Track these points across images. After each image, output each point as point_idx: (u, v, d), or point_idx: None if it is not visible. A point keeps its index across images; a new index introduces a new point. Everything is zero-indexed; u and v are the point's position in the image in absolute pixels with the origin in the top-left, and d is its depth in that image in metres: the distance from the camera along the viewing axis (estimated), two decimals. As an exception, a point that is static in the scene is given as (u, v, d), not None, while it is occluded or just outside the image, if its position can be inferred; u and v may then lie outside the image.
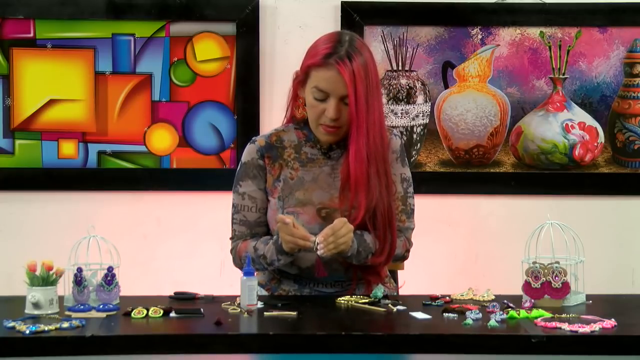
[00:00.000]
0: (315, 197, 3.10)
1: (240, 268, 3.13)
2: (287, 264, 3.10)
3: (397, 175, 3.17)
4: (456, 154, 4.16)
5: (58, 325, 2.63)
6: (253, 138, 3.19)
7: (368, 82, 3.02)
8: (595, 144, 4.16)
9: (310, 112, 3.08)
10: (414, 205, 3.21)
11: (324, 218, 3.08)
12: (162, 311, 2.78)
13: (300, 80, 3.10)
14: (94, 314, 2.79)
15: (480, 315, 2.76)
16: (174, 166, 4.14)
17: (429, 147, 4.16)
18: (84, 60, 4.09)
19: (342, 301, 2.95)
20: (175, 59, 4.11)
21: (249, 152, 3.16)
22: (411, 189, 3.20)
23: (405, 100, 4.13)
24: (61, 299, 2.87)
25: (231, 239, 3.18)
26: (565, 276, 2.89)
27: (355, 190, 3.04)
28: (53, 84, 4.09)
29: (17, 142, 4.10)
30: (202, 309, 2.84)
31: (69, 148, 4.11)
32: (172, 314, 2.79)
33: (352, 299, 2.97)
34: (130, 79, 4.11)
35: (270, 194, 3.13)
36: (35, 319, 2.73)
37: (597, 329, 2.63)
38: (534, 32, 4.13)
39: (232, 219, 3.17)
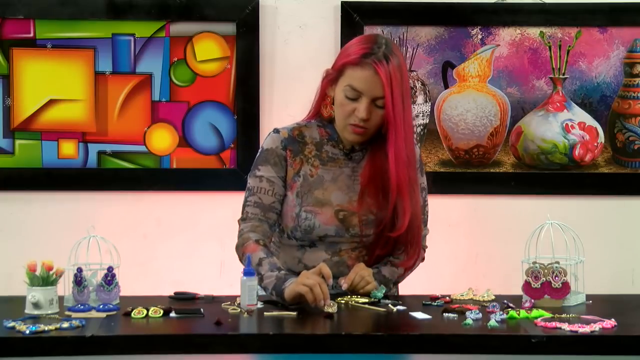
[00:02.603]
0: (334, 198, 3.10)
1: (238, 256, 3.09)
2: (294, 263, 3.10)
3: (418, 184, 3.18)
4: (456, 154, 4.16)
5: (58, 325, 2.63)
6: (276, 128, 3.16)
7: (403, 86, 3.02)
8: (595, 144, 4.16)
9: (339, 111, 3.06)
10: (429, 212, 3.27)
11: (341, 220, 3.08)
12: (162, 311, 2.78)
13: (332, 78, 3.07)
14: (94, 314, 2.79)
15: (480, 315, 2.76)
16: (174, 166, 4.14)
17: (429, 147, 4.16)
18: (84, 60, 4.09)
19: (342, 301, 2.95)
20: (175, 59, 4.11)
21: (273, 140, 3.14)
22: (427, 198, 3.25)
23: (405, 100, 4.13)
24: (61, 299, 2.87)
25: (242, 219, 3.12)
26: (565, 276, 2.90)
27: (398, 196, 3.04)
28: (53, 84, 4.09)
29: (17, 142, 4.10)
30: (202, 309, 2.84)
31: (69, 148, 4.11)
32: (172, 314, 2.79)
33: (352, 299, 2.97)
34: (130, 79, 4.11)
35: (289, 188, 3.12)
36: (35, 319, 2.73)
37: (597, 329, 2.63)
38: (534, 32, 4.13)
39: (246, 201, 3.12)
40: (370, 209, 3.08)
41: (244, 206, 3.13)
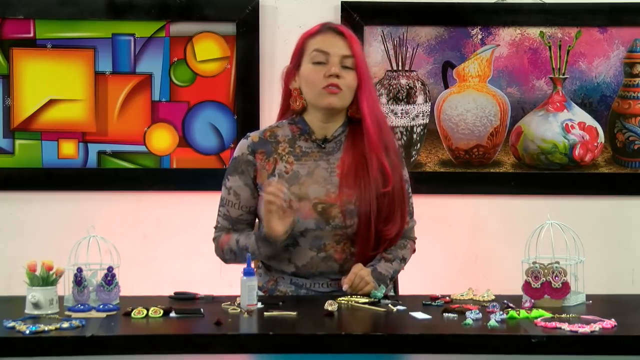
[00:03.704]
0: (312, 191, 3.12)
1: (222, 258, 3.22)
2: (284, 262, 3.12)
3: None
4: (456, 154, 4.16)
5: (58, 325, 2.63)
6: (247, 134, 3.25)
7: (364, 52, 3.18)
8: (595, 144, 4.16)
9: (310, 81, 3.13)
10: (413, 203, 3.25)
11: (320, 213, 3.09)
12: (162, 311, 2.78)
13: (293, 68, 3.17)
14: (94, 314, 2.79)
15: (480, 315, 2.76)
16: (174, 166, 4.14)
17: (429, 147, 4.16)
18: (84, 60, 4.10)
19: (342, 301, 2.96)
20: (175, 59, 4.11)
21: (241, 147, 3.21)
22: (410, 189, 3.24)
23: (405, 100, 4.13)
24: (61, 299, 2.87)
25: (215, 228, 3.25)
26: (565, 276, 2.90)
27: (374, 154, 3.10)
28: (53, 84, 4.09)
29: (17, 142, 4.10)
30: (202, 309, 2.84)
31: (69, 148, 4.11)
32: (172, 314, 2.79)
33: (352, 299, 2.97)
34: (130, 79, 4.11)
35: (264, 189, 3.14)
36: (35, 319, 2.73)
37: (597, 329, 2.63)
38: (534, 32, 4.13)
39: (218, 209, 3.24)
40: (350, 199, 3.10)
41: (217, 215, 3.25)
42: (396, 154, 3.18)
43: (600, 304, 2.95)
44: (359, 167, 3.12)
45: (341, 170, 3.13)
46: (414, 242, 3.27)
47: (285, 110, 3.24)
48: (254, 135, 3.21)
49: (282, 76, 3.22)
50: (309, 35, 3.17)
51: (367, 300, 2.95)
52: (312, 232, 3.10)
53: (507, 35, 4.13)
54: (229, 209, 3.20)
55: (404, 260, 3.20)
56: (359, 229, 3.10)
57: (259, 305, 2.88)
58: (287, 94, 3.21)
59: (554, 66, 4.14)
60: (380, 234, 3.12)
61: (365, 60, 3.16)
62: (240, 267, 2.96)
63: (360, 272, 3.04)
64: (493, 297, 3.01)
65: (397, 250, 3.18)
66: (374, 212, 3.09)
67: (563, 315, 2.76)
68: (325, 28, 3.16)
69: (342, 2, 4.08)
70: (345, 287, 3.02)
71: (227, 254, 3.18)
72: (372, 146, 3.11)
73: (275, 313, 2.80)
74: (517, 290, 2.95)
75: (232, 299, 2.93)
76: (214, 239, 3.24)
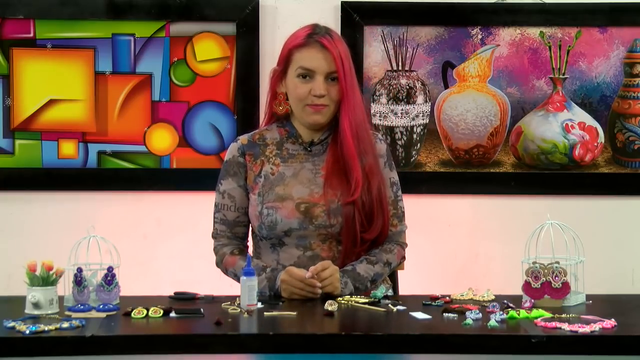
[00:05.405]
0: (295, 192, 3.14)
1: (222, 271, 3.23)
2: (274, 266, 3.14)
3: (386, 179, 3.19)
4: (456, 154, 4.16)
5: (58, 325, 2.63)
6: (237, 137, 3.28)
7: (349, 60, 3.13)
8: (595, 144, 4.16)
9: (296, 95, 3.13)
10: (404, 207, 3.24)
11: (303, 212, 3.11)
12: (162, 311, 2.78)
13: (280, 71, 3.17)
14: (94, 314, 2.79)
15: (480, 315, 2.76)
16: (174, 166, 4.14)
17: (429, 147, 4.16)
18: (84, 60, 4.09)
19: (342, 301, 2.96)
20: (175, 59, 4.11)
21: (231, 150, 3.24)
22: (400, 192, 3.25)
23: (405, 100, 4.13)
24: (61, 299, 2.87)
25: (213, 237, 3.27)
26: (565, 276, 2.90)
27: (350, 164, 3.10)
28: (53, 84, 4.09)
29: (17, 142, 4.10)
30: (202, 309, 2.84)
31: (69, 148, 4.11)
32: (172, 314, 2.79)
33: (352, 299, 2.97)
34: (130, 79, 4.11)
35: (251, 191, 3.17)
36: (35, 319, 2.73)
37: (597, 329, 2.63)
38: (534, 32, 4.13)
39: (214, 217, 3.25)
40: (334, 199, 3.11)
41: (213, 223, 3.26)
42: (375, 159, 3.17)
43: (600, 304, 2.95)
44: (343, 168, 3.12)
45: (326, 171, 3.14)
46: (403, 248, 3.24)
47: (272, 112, 3.25)
48: (243, 138, 3.25)
49: (270, 77, 3.22)
50: (294, 46, 3.13)
51: (367, 300, 2.95)
52: (296, 232, 3.11)
53: (507, 35, 4.13)
54: (225, 212, 3.22)
55: (388, 265, 3.17)
56: (344, 227, 3.10)
57: (259, 305, 2.88)
58: (274, 97, 3.21)
59: (554, 66, 4.14)
60: (362, 235, 3.12)
61: (350, 69, 3.12)
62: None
63: (322, 272, 3.01)
64: (493, 297, 3.01)
65: (382, 254, 3.17)
66: (357, 212, 3.08)
67: (563, 315, 2.76)
68: (312, 41, 3.12)
69: (342, 2, 4.08)
70: (307, 274, 2.99)
71: (230, 275, 3.21)
72: (350, 155, 3.10)
73: (275, 313, 2.80)
74: (517, 290, 2.95)
75: (232, 299, 2.94)
76: (215, 249, 3.26)
